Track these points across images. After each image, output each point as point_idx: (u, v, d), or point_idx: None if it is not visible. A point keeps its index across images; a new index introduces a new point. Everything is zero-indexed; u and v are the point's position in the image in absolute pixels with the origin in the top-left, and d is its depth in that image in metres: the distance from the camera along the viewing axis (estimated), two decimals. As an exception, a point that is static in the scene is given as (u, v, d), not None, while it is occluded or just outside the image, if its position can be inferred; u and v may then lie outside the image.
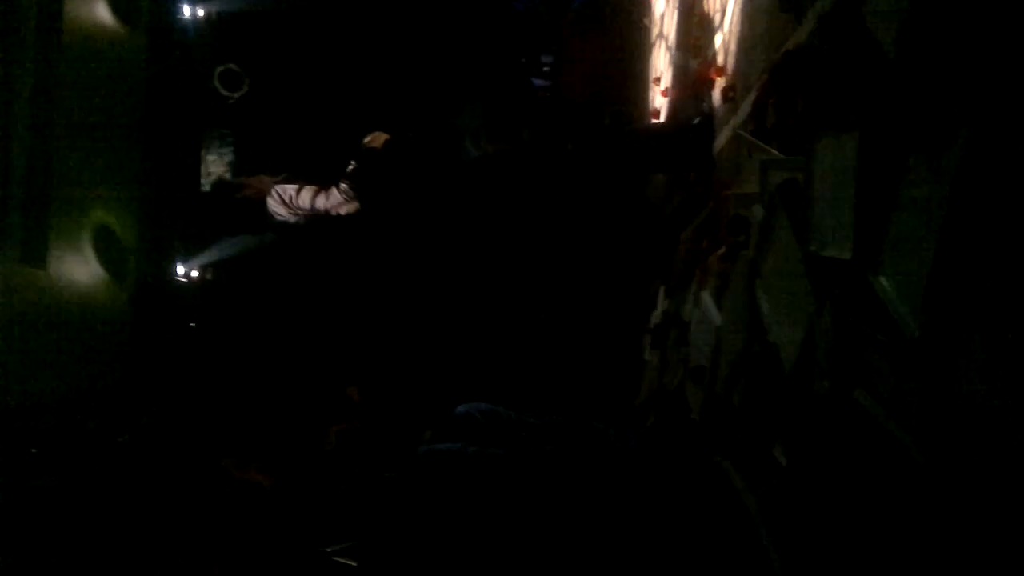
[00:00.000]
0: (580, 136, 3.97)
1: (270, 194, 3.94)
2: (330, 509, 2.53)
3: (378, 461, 2.93)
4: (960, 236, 1.20)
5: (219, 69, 5.13)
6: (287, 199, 3.89)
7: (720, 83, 3.13)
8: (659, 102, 4.35)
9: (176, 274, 4.86)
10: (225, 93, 5.14)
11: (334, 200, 3.82)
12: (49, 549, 2.48)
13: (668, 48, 4.31)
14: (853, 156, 1.55)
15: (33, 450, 3.09)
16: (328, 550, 2.29)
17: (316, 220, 3.96)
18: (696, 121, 3.44)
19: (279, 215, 3.93)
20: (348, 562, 2.27)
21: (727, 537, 1.93)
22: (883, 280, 1.41)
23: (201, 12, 5.10)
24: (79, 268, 4.17)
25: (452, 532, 2.21)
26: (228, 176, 5.10)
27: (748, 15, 2.79)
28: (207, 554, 2.16)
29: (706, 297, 2.71)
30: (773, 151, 2.19)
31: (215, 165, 5.25)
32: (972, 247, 1.18)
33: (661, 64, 4.46)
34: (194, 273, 4.93)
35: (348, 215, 3.85)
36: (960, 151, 1.21)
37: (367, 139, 3.82)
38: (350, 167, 3.82)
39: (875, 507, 1.37)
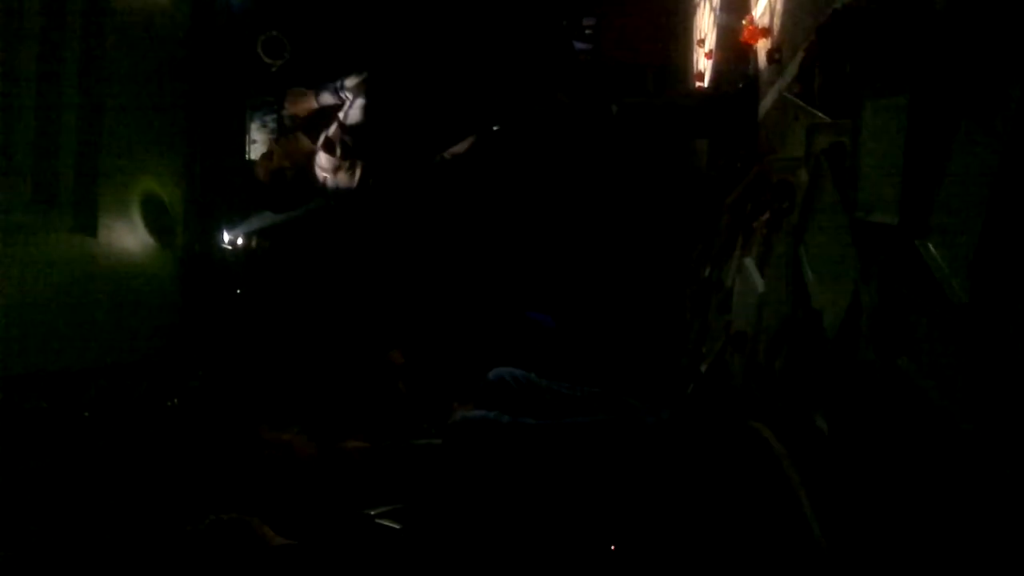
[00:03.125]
0: (624, 99, 3.92)
1: (315, 157, 3.97)
2: (373, 473, 2.56)
3: (418, 425, 2.97)
4: (1011, 201, 1.17)
5: (262, 37, 5.14)
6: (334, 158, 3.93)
7: (765, 45, 3.07)
8: (703, 64, 4.28)
9: (223, 242, 4.93)
10: (268, 61, 5.16)
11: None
12: (100, 509, 2.56)
13: (713, 9, 4.23)
14: (902, 119, 1.51)
15: (86, 414, 3.17)
16: (371, 513, 2.32)
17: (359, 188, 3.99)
18: (740, 85, 3.38)
19: (324, 175, 3.95)
20: (391, 525, 2.30)
21: (767, 505, 1.93)
22: (931, 246, 1.38)
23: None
24: (128, 236, 4.25)
25: (485, 501, 2.22)
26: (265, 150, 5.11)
27: (795, -26, 2.72)
28: (249, 510, 2.20)
29: (749, 263, 2.68)
30: (819, 114, 2.14)
31: (259, 133, 5.28)
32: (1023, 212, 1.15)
33: (705, 25, 4.38)
34: (240, 241, 5.00)
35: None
36: (1013, 112, 1.17)
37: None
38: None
39: (918, 477, 1.36)
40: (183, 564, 2.07)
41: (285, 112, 4.33)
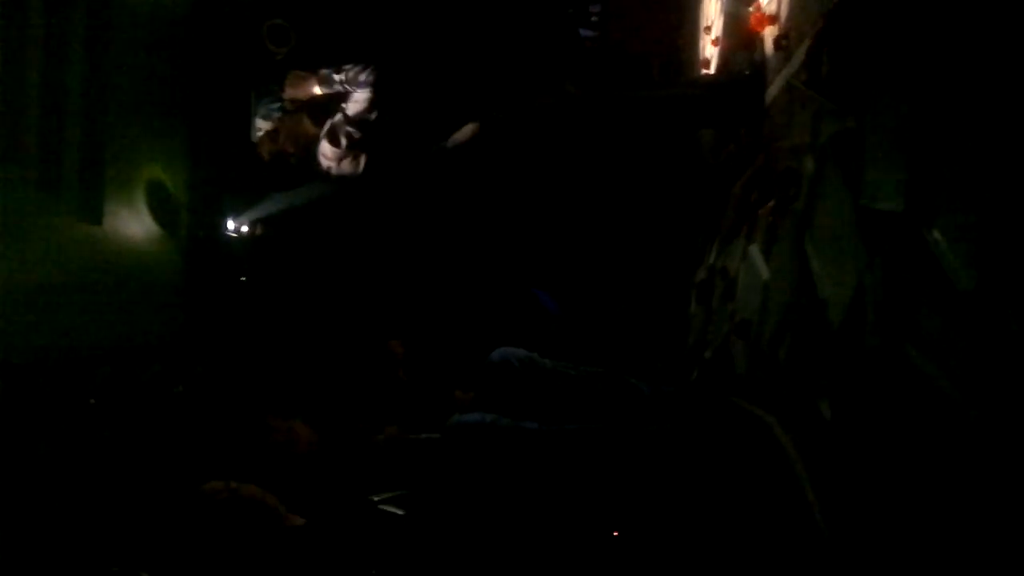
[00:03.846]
0: (629, 86, 3.91)
1: (319, 145, 3.96)
2: (375, 461, 2.57)
3: (418, 417, 2.97)
4: (1017, 188, 1.16)
5: (267, 24, 5.13)
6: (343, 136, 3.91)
7: (772, 31, 3.05)
8: (710, 52, 4.26)
9: (227, 229, 4.93)
10: (273, 49, 5.14)
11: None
12: (107, 495, 2.57)
13: (719, -4, 4.20)
14: (909, 106, 1.51)
15: (92, 400, 3.18)
16: (375, 499, 2.32)
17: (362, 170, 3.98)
18: (747, 72, 3.36)
19: (326, 159, 3.94)
20: (395, 511, 2.30)
21: (771, 493, 1.93)
22: (936, 233, 1.38)
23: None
24: (133, 222, 4.25)
25: (483, 502, 2.20)
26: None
27: (802, -40, 2.70)
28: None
29: (754, 251, 2.68)
30: (826, 101, 2.13)
31: (264, 121, 5.27)
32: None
33: (712, 12, 4.36)
34: (244, 228, 5.00)
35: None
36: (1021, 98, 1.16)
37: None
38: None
39: (924, 465, 1.35)
40: (199, 527, 2.09)
41: (285, 95, 4.30)
